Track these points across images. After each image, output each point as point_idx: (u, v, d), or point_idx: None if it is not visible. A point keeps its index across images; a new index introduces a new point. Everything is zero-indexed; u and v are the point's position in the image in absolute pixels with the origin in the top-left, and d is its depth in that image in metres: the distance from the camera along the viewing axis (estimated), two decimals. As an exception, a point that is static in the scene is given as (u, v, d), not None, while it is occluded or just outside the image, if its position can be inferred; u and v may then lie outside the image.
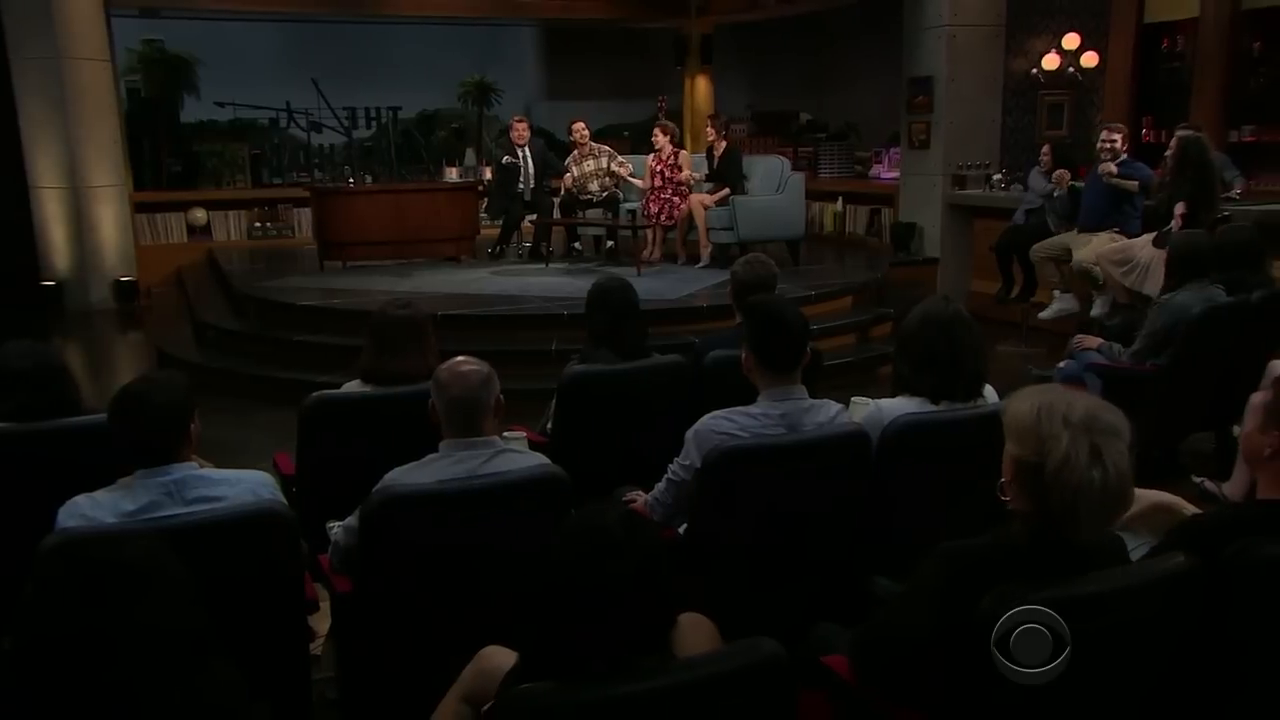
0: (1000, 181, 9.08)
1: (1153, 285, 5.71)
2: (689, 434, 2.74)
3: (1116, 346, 4.67)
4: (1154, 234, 6.16)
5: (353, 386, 3.31)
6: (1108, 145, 6.59)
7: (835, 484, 2.72)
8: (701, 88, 13.46)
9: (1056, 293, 7.13)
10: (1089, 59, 8.57)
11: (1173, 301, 4.45)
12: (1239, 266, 4.60)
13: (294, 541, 2.40)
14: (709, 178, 8.83)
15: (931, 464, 2.71)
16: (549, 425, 3.59)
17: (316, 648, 2.97)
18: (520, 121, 9.47)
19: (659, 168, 8.76)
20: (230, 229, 11.32)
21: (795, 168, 10.07)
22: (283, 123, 13.91)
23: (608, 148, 9.24)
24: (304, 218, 10.83)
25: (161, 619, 1.48)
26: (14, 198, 9.34)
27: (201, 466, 2.37)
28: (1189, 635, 1.81)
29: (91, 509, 2.21)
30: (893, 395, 2.89)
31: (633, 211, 8.95)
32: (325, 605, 2.77)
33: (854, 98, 13.02)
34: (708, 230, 8.60)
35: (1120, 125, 6.89)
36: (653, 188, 8.78)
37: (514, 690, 1.55)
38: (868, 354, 6.94)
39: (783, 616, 2.29)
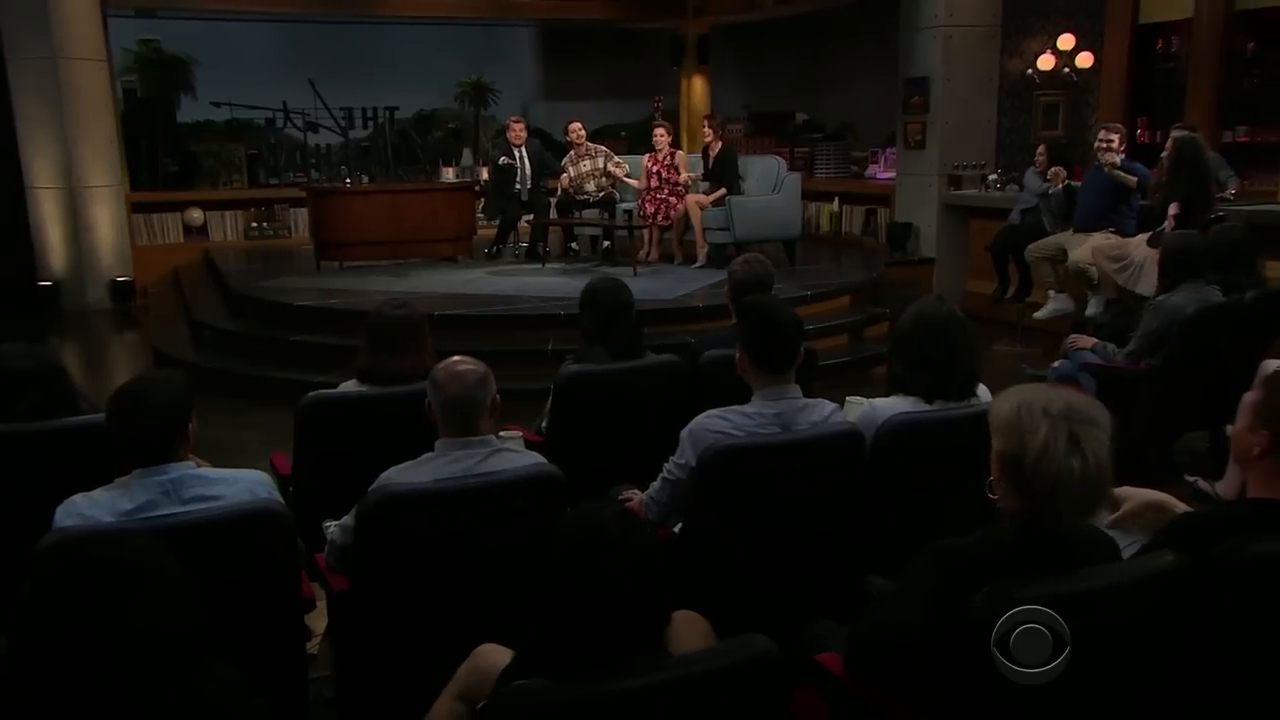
0: (996, 182, 9.10)
1: (1146, 285, 5.73)
2: (684, 433, 2.75)
3: (1111, 346, 4.69)
4: (1149, 234, 6.18)
5: (349, 386, 3.31)
6: (1104, 145, 6.61)
7: (830, 483, 2.73)
8: (698, 88, 13.48)
9: (1051, 293, 7.16)
10: (1084, 59, 8.60)
11: (1167, 302, 4.46)
12: (1232, 266, 4.62)
13: (291, 540, 2.41)
14: (705, 178, 8.84)
15: (925, 463, 2.72)
16: (544, 425, 3.60)
17: (313, 646, 2.98)
18: (517, 122, 9.47)
19: (655, 168, 8.78)
20: (227, 229, 11.32)
21: (791, 168, 10.09)
22: (279, 123, 13.87)
23: (604, 148, 9.24)
24: (301, 218, 10.83)
25: (159, 618, 1.48)
26: (10, 198, 9.35)
27: (199, 466, 2.38)
28: (1179, 633, 1.82)
29: (89, 508, 2.21)
30: (887, 395, 2.90)
31: (629, 212, 8.96)
32: (322, 604, 2.78)
33: (850, 98, 13.03)
34: (704, 230, 8.61)
35: (1118, 125, 6.90)
36: (649, 188, 8.79)
37: (508, 687, 1.56)
38: (864, 354, 6.96)
39: (778, 614, 2.31)
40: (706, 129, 8.90)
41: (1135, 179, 6.51)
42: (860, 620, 2.03)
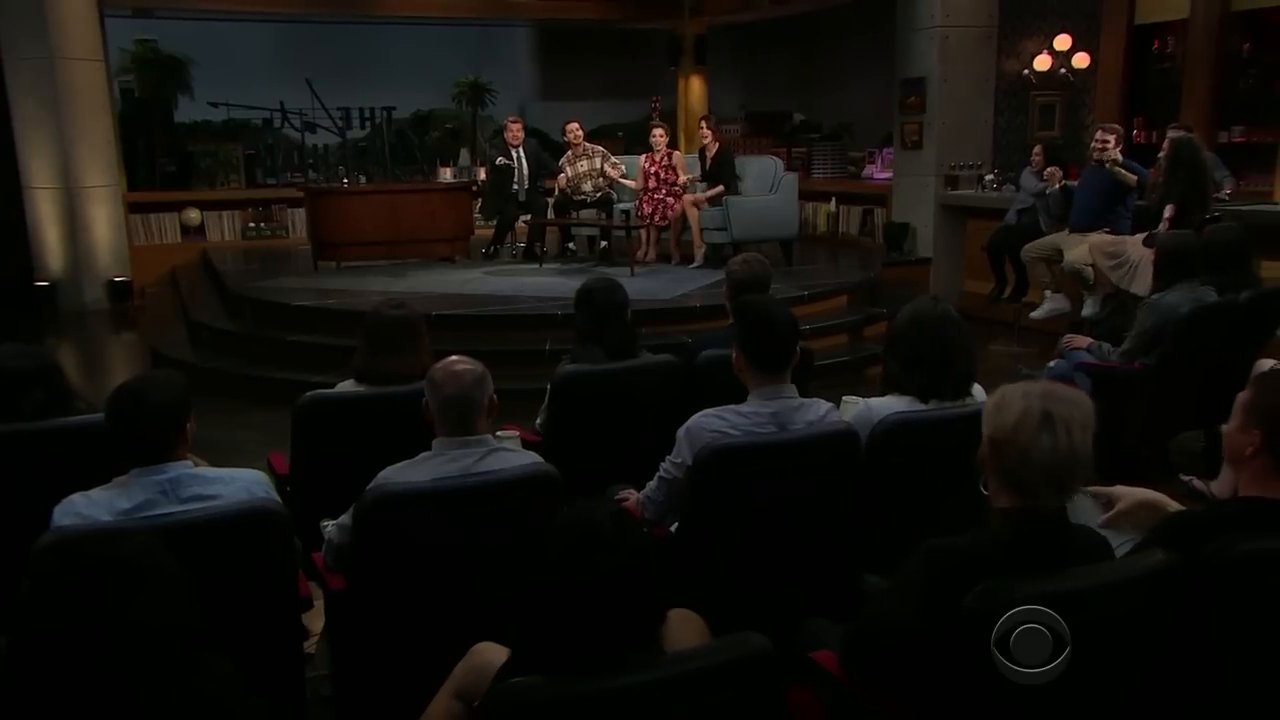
0: (992, 182, 9.12)
1: (1141, 284, 5.75)
2: (680, 432, 2.76)
3: (1106, 346, 4.70)
4: (1145, 233, 6.20)
5: (347, 386, 3.32)
6: (1100, 146, 6.64)
7: (825, 481, 2.74)
8: (695, 88, 13.49)
9: (1048, 292, 7.18)
10: (1080, 60, 8.62)
11: (1162, 301, 4.47)
12: (1227, 267, 4.63)
13: (288, 540, 2.41)
14: (703, 178, 8.85)
15: (920, 462, 2.73)
16: (539, 423, 3.62)
17: (310, 645, 2.99)
18: (515, 122, 9.47)
19: (653, 169, 8.79)
20: (224, 229, 11.31)
21: (789, 168, 10.11)
22: (277, 123, 13.86)
23: (601, 148, 9.25)
24: (298, 218, 10.83)
25: (158, 616, 1.49)
26: (7, 198, 9.35)
27: (197, 465, 2.39)
28: (1171, 631, 1.84)
29: (87, 507, 2.22)
30: (882, 394, 2.91)
31: (626, 212, 8.97)
32: (319, 603, 2.79)
33: (847, 98, 13.05)
34: (701, 230, 8.62)
35: (1114, 126, 6.92)
36: (646, 188, 8.81)
37: (503, 685, 1.57)
38: (861, 354, 6.96)
39: (774, 613, 2.31)
40: (704, 129, 8.91)
41: (1135, 178, 6.53)
42: (855, 619, 2.05)
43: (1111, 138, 6.64)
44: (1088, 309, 6.60)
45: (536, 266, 8.75)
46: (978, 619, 1.65)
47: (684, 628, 1.75)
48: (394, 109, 15.22)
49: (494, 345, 6.07)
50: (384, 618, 2.50)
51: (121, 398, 2.31)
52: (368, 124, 14.87)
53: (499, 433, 2.80)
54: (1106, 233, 6.60)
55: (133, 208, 10.64)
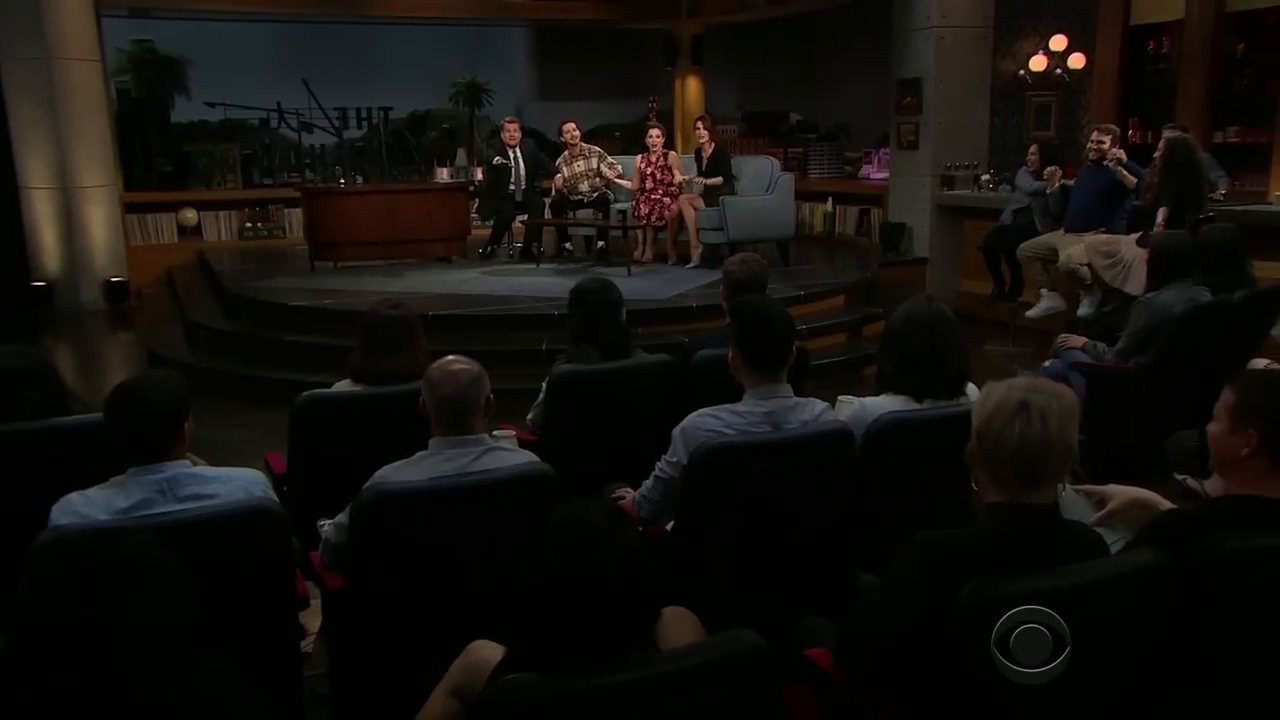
0: (988, 182, 9.14)
1: (1135, 284, 5.76)
2: (676, 431, 2.77)
3: (1101, 346, 4.71)
4: (1139, 234, 6.21)
5: (343, 386, 3.33)
6: (1096, 146, 6.65)
7: (820, 480, 2.75)
8: (692, 88, 13.50)
9: (1043, 291, 7.17)
10: (1076, 60, 8.64)
11: (1156, 300, 4.49)
12: (1221, 267, 4.64)
13: (285, 539, 2.42)
14: (704, 174, 8.83)
15: (915, 461, 2.75)
16: (530, 417, 3.63)
17: (308, 644, 2.99)
18: (511, 122, 9.48)
19: (649, 169, 8.80)
20: (221, 229, 11.30)
21: (785, 168, 10.12)
22: (273, 123, 13.90)
23: (598, 148, 9.26)
24: (295, 218, 10.82)
25: (157, 614, 1.49)
26: (4, 198, 9.34)
27: (194, 465, 2.39)
28: (1162, 628, 1.85)
29: (84, 506, 2.23)
30: (877, 394, 2.93)
31: (623, 212, 8.98)
32: (316, 602, 2.79)
33: (844, 98, 13.06)
34: (698, 230, 8.63)
35: (1110, 126, 6.93)
36: (642, 189, 8.82)
37: (499, 682, 1.58)
38: (857, 354, 6.97)
39: (769, 611, 2.32)
40: (699, 129, 8.91)
41: (1135, 180, 6.55)
42: (849, 616, 2.06)
43: (1107, 138, 6.65)
44: (1083, 309, 6.61)
45: (533, 266, 8.75)
46: (970, 615, 1.66)
47: (678, 625, 1.76)
48: (391, 109, 15.25)
49: (491, 345, 6.08)
50: (381, 616, 2.51)
51: (120, 397, 2.32)
52: (365, 124, 14.89)
53: (495, 432, 2.81)
54: (1101, 232, 6.61)
55: (129, 208, 10.63)
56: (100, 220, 9.91)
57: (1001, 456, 1.80)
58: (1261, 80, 7.87)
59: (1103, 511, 2.18)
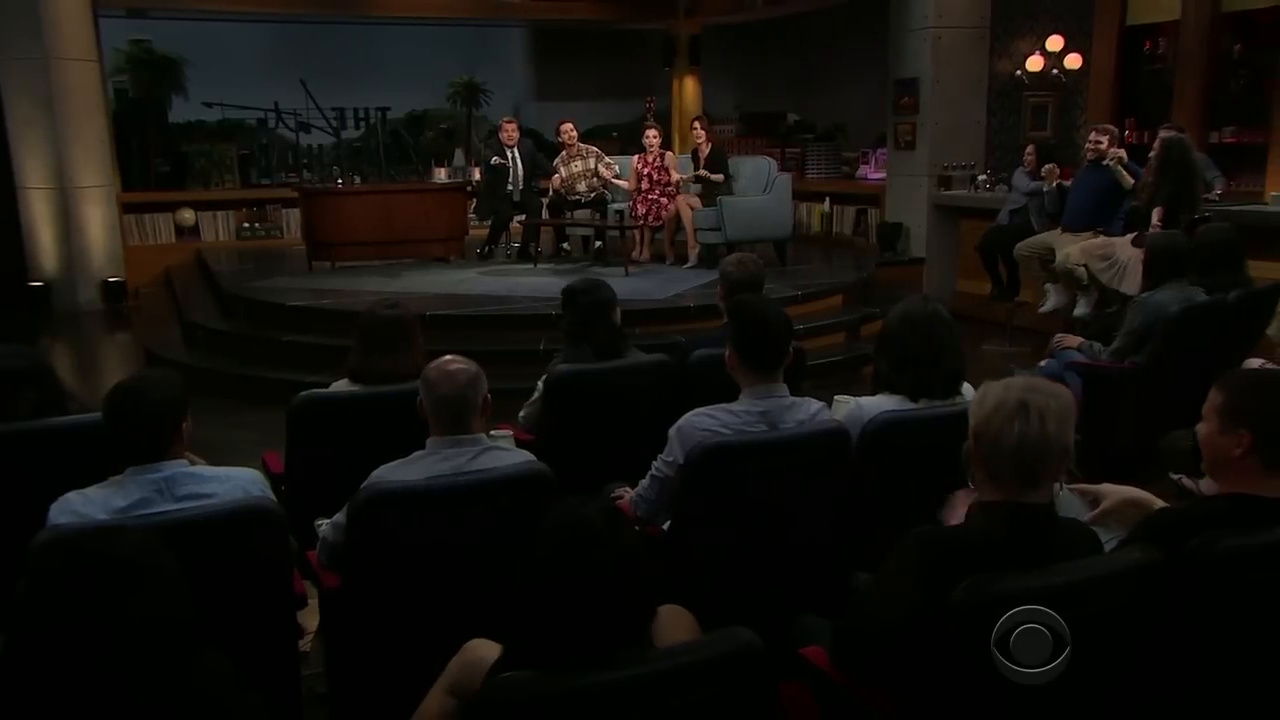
0: (985, 182, 9.15)
1: (1130, 285, 5.77)
2: (672, 430, 2.78)
3: (1097, 345, 4.72)
4: (1134, 234, 6.23)
5: (341, 386, 3.34)
6: (1093, 146, 6.65)
7: (816, 480, 2.76)
8: (690, 89, 13.51)
9: (1049, 286, 7.14)
10: (1072, 61, 8.64)
11: (1151, 300, 4.50)
12: (1216, 267, 4.65)
13: (283, 538, 2.43)
14: (707, 169, 8.82)
15: (911, 460, 2.75)
16: (523, 415, 3.63)
17: (305, 644, 3.00)
18: (509, 122, 9.48)
19: (645, 169, 8.81)
20: (219, 229, 11.29)
21: (783, 168, 10.13)
22: (271, 123, 13.90)
23: (595, 149, 9.26)
24: (292, 218, 10.82)
25: (156, 612, 1.50)
26: (1, 198, 9.33)
27: (193, 464, 2.40)
28: (1155, 626, 1.86)
29: (83, 505, 2.23)
30: (873, 393, 2.94)
31: (621, 212, 8.98)
32: (314, 601, 2.80)
33: (841, 99, 13.07)
34: (695, 231, 8.64)
35: (1108, 126, 6.94)
36: (639, 189, 8.82)
37: (496, 680, 1.59)
38: (855, 353, 6.98)
39: (766, 610, 2.33)
40: (696, 130, 8.92)
41: (1133, 180, 6.56)
42: (846, 614, 2.07)
43: (1105, 138, 6.66)
44: (1081, 309, 6.62)
45: (531, 266, 8.76)
46: (965, 612, 1.67)
47: (674, 623, 1.77)
48: (389, 109, 15.23)
49: (488, 345, 6.08)
50: (378, 615, 2.51)
51: (118, 396, 2.32)
52: (362, 124, 14.88)
53: (493, 432, 2.82)
54: (1098, 232, 6.62)
55: (127, 208, 10.62)
56: (98, 220, 9.90)
57: (1000, 456, 1.81)
58: (1257, 80, 7.88)
59: (1096, 510, 2.19)
